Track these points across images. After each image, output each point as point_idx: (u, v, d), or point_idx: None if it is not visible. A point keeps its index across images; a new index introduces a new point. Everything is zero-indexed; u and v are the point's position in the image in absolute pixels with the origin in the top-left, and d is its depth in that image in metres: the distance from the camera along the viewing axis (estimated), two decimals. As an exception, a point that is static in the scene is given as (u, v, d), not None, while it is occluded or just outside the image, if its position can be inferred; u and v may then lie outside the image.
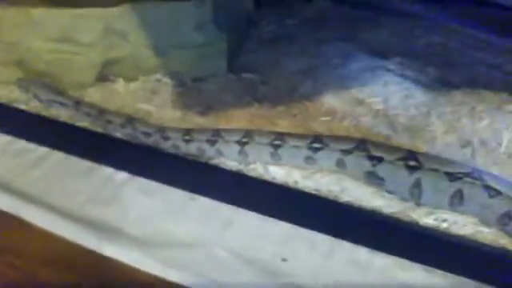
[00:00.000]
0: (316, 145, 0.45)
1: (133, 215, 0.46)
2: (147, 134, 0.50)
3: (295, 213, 0.44)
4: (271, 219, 0.45)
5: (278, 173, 0.46)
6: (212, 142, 0.48)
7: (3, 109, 0.56)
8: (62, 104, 0.54)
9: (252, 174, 0.46)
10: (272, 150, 0.46)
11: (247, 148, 0.47)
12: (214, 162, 0.48)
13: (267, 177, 0.46)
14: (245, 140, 0.47)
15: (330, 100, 0.53)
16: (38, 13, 0.55)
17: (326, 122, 0.50)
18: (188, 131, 0.49)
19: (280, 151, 0.46)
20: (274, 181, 0.45)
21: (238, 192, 0.46)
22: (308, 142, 0.46)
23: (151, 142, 0.50)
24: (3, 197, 0.48)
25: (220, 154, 0.48)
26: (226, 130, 0.49)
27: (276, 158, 0.47)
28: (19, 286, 0.42)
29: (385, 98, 0.53)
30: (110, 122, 0.52)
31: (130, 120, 0.51)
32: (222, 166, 0.47)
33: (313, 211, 0.44)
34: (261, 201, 0.45)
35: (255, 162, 0.47)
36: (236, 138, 0.47)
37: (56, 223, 0.46)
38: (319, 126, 0.49)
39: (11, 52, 0.58)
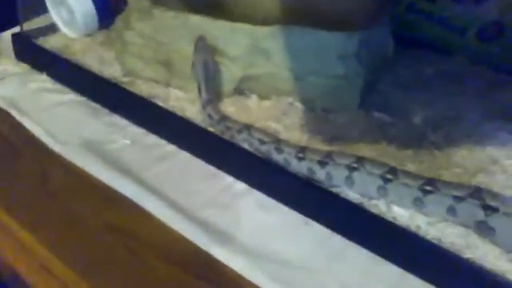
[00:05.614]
0: (428, 187, 0.43)
1: (246, 226, 0.47)
2: (262, 142, 0.51)
3: (410, 259, 0.43)
4: (383, 260, 0.43)
5: (401, 214, 0.44)
6: (323, 164, 0.47)
7: (141, 102, 0.59)
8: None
9: (373, 210, 0.45)
10: (381, 182, 0.45)
11: (355, 175, 0.46)
12: (336, 190, 0.47)
13: (388, 216, 0.44)
14: (355, 165, 0.46)
15: (462, 153, 0.51)
16: (195, 20, 0.58)
17: (456, 173, 0.48)
18: (302, 149, 0.49)
19: (389, 186, 0.45)
20: (395, 221, 0.44)
21: (354, 226, 0.45)
22: (420, 183, 0.44)
23: (264, 150, 0.51)
24: (127, 184, 0.51)
25: (329, 177, 0.47)
26: (338, 153, 0.48)
27: (382, 193, 0.45)
28: (131, 267, 0.44)
29: (521, 161, 0.51)
30: (228, 127, 0.53)
31: (248, 127, 0.52)
32: (343, 195, 0.47)
33: (429, 262, 0.42)
34: (376, 239, 0.44)
35: (378, 199, 0.46)
36: (346, 161, 0.46)
37: (172, 217, 0.48)
38: (449, 176, 0.47)
39: (159, 52, 0.61)
